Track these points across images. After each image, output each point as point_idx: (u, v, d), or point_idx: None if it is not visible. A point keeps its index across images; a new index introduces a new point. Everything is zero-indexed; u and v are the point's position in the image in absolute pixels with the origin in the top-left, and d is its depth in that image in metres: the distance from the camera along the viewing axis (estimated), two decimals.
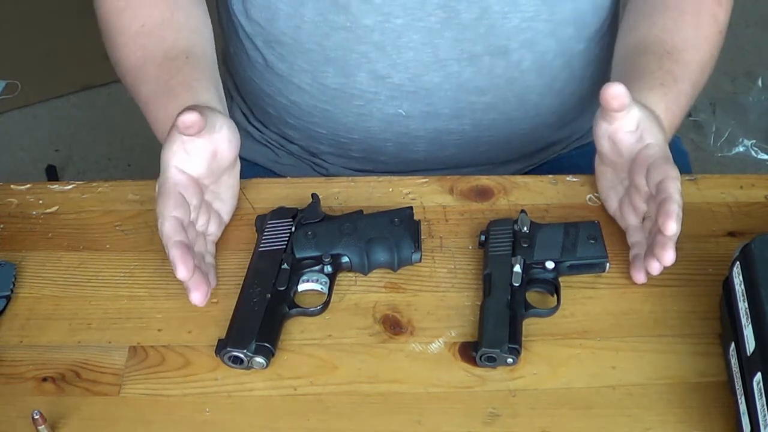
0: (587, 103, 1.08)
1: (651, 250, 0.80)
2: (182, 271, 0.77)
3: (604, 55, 1.07)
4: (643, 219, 0.85)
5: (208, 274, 0.82)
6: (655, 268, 0.80)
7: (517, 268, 0.82)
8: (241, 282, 0.82)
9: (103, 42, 0.99)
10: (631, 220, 0.86)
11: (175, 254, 0.77)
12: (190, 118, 0.78)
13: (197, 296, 0.79)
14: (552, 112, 1.07)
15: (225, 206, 0.88)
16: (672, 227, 0.77)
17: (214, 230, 0.87)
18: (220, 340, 0.77)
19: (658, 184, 0.79)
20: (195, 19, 0.98)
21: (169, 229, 0.79)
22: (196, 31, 0.97)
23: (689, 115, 0.99)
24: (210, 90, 0.92)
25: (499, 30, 0.97)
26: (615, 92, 0.80)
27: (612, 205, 0.88)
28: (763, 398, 0.67)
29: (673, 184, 0.79)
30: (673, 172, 0.80)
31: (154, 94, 0.92)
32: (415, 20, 0.96)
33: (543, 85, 1.03)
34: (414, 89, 1.00)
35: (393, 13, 0.95)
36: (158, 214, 0.80)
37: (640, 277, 0.83)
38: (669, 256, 0.78)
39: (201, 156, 0.83)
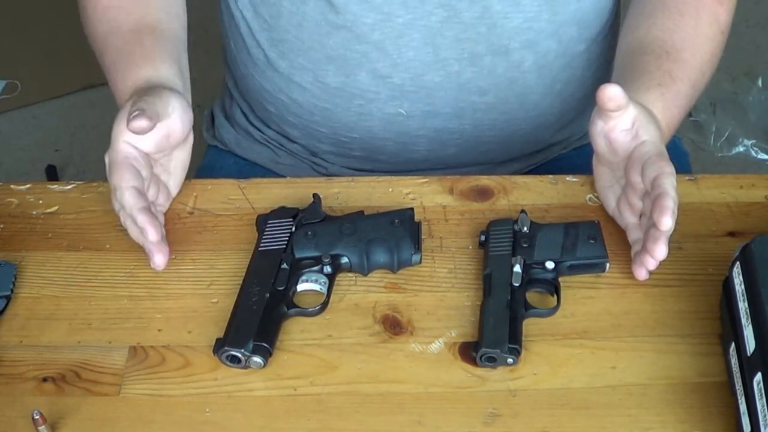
0: (587, 103, 1.08)
1: (645, 245, 0.80)
2: (152, 234, 0.81)
3: (605, 57, 1.07)
4: (641, 216, 0.85)
5: None
6: (650, 263, 0.80)
7: (517, 268, 0.82)
8: (241, 281, 0.82)
9: (80, 16, 1.01)
10: (628, 218, 0.86)
11: (144, 220, 0.81)
12: (140, 125, 0.81)
13: (160, 258, 0.83)
14: (552, 113, 1.07)
15: (172, 179, 0.91)
16: (666, 222, 0.77)
17: (162, 201, 0.89)
18: (218, 339, 0.77)
19: (653, 180, 0.79)
20: None
21: (130, 198, 0.82)
22: (167, 10, 0.99)
23: (689, 115, 0.99)
24: (171, 65, 0.93)
25: (500, 30, 0.97)
26: (611, 94, 0.80)
27: (610, 205, 0.89)
28: (763, 398, 0.67)
29: (668, 179, 0.79)
30: (668, 168, 0.80)
31: (116, 63, 0.94)
32: (415, 19, 0.96)
33: (543, 86, 1.03)
34: (414, 89, 1.00)
35: (393, 12, 0.95)
36: (115, 187, 0.83)
37: (641, 274, 0.83)
38: (661, 251, 0.79)
39: (152, 135, 0.84)
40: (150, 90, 0.87)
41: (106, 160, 0.85)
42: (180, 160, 0.90)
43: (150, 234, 0.81)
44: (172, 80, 0.92)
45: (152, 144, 0.85)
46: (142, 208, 0.82)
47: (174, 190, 0.91)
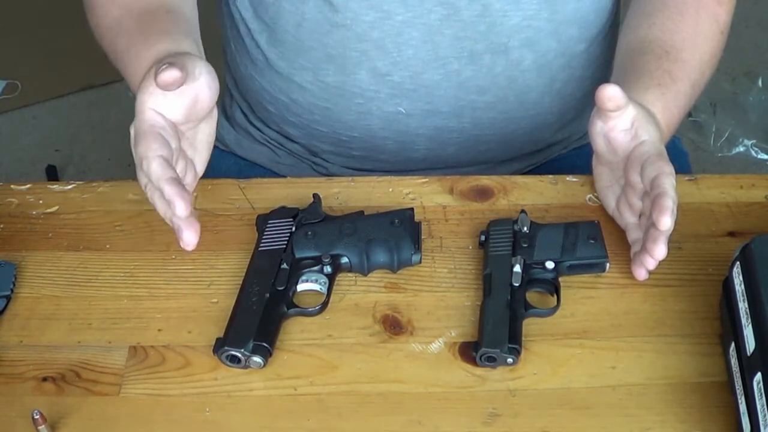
0: (587, 103, 1.08)
1: (644, 244, 0.80)
2: (181, 207, 0.74)
3: (605, 56, 1.07)
4: (640, 216, 0.85)
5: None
6: (649, 263, 0.80)
7: (517, 268, 0.82)
8: (241, 281, 0.82)
9: (84, 6, 0.99)
10: (628, 218, 0.86)
11: (172, 191, 0.74)
12: (171, 74, 0.75)
13: (190, 235, 0.76)
14: (552, 112, 1.07)
15: (199, 156, 0.85)
16: (666, 222, 0.77)
17: (190, 180, 0.84)
18: (218, 339, 0.77)
19: (653, 180, 0.79)
20: None
21: (158, 167, 0.75)
22: None
23: (689, 115, 0.99)
24: (190, 41, 0.88)
25: (500, 28, 0.97)
26: (610, 94, 0.80)
27: (610, 205, 0.89)
28: (763, 398, 0.67)
29: (668, 179, 0.79)
30: (668, 168, 0.80)
31: (130, 44, 0.90)
32: (415, 17, 0.96)
33: (543, 85, 1.03)
34: (414, 87, 1.00)
35: (393, 10, 0.95)
36: (141, 157, 0.76)
37: (640, 273, 0.83)
38: (660, 251, 0.79)
39: (180, 101, 0.79)
40: (174, 55, 0.82)
41: (132, 132, 0.79)
42: (206, 134, 0.85)
43: (179, 207, 0.74)
44: (194, 52, 0.87)
45: (180, 111, 0.80)
46: (171, 178, 0.74)
47: (200, 167, 0.85)
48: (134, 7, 0.93)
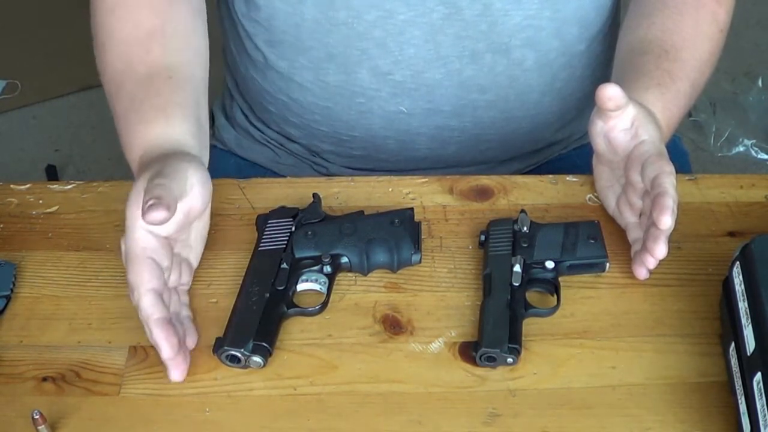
0: (587, 103, 1.08)
1: (644, 244, 0.80)
2: (167, 351, 0.74)
3: (606, 56, 1.07)
4: (640, 215, 0.85)
5: (186, 334, 0.78)
6: (650, 262, 0.81)
7: (517, 268, 0.82)
8: (241, 281, 0.82)
9: (93, 43, 0.95)
10: (628, 217, 0.86)
11: (159, 335, 0.74)
12: (158, 216, 0.73)
13: (177, 374, 0.75)
14: (552, 112, 1.07)
15: (194, 252, 0.83)
16: (666, 221, 0.77)
17: (186, 280, 0.82)
18: (217, 339, 0.77)
19: (653, 179, 0.79)
20: (188, 32, 0.93)
21: (147, 305, 0.74)
22: (187, 47, 0.92)
23: (689, 115, 0.99)
24: (185, 118, 0.86)
25: (501, 27, 0.97)
26: (610, 93, 0.80)
27: (610, 204, 0.89)
28: (763, 398, 0.67)
29: (668, 179, 0.79)
30: (668, 167, 0.80)
31: (127, 113, 0.87)
32: (416, 16, 0.96)
33: (544, 84, 1.03)
34: (415, 86, 1.00)
35: (395, 9, 0.95)
36: (132, 287, 0.75)
37: (641, 273, 0.83)
38: (661, 250, 0.79)
39: (171, 220, 0.76)
40: (164, 167, 0.78)
41: (122, 248, 0.77)
42: (199, 231, 0.83)
43: (164, 351, 0.74)
44: (186, 140, 0.84)
45: (173, 227, 0.77)
46: (159, 319, 0.74)
47: (195, 262, 0.84)
48: (138, 64, 0.88)
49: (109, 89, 0.91)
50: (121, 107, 0.88)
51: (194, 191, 0.79)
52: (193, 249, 0.83)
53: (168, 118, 0.85)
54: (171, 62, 0.89)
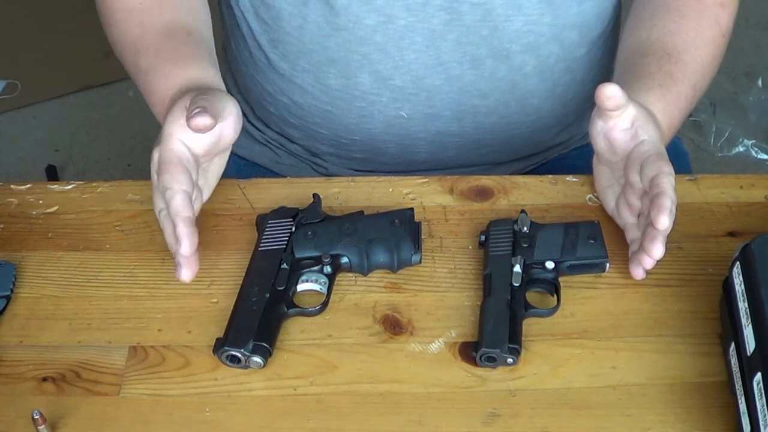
0: (588, 106, 1.07)
1: (642, 244, 0.80)
2: (186, 247, 0.77)
3: (606, 60, 1.07)
4: (639, 216, 0.85)
5: None
6: (647, 262, 0.80)
7: (517, 268, 0.82)
8: (241, 281, 0.82)
9: (100, 21, 0.99)
10: (627, 217, 0.86)
11: (183, 231, 0.76)
12: (205, 122, 0.77)
13: (187, 273, 0.78)
14: (553, 116, 1.07)
15: (207, 186, 0.87)
16: (664, 221, 0.77)
17: (197, 207, 0.84)
18: (218, 339, 0.77)
19: (652, 179, 0.79)
20: (194, 2, 0.98)
21: (179, 202, 0.77)
22: (195, 13, 0.97)
23: (689, 115, 0.99)
24: (214, 68, 0.91)
25: (502, 33, 0.97)
26: (610, 93, 0.80)
27: (610, 204, 0.89)
28: (763, 398, 0.67)
29: (667, 179, 0.79)
30: (667, 167, 0.80)
31: (155, 63, 0.91)
32: (417, 22, 0.96)
33: (545, 90, 1.03)
34: (416, 91, 1.00)
35: (395, 14, 0.95)
36: (165, 186, 0.78)
37: (638, 273, 0.83)
38: (658, 250, 0.79)
39: (206, 137, 0.81)
40: (206, 91, 0.84)
41: (155, 157, 0.81)
42: (218, 167, 0.87)
43: (184, 246, 0.76)
44: (219, 83, 0.90)
45: (204, 146, 0.82)
46: (187, 217, 0.77)
47: (206, 197, 0.87)
48: (154, 26, 0.94)
49: (127, 53, 0.95)
50: (146, 60, 0.92)
51: (230, 120, 0.83)
52: (208, 182, 0.87)
53: (199, 64, 0.90)
54: (186, 23, 0.94)
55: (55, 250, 0.88)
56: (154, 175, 0.81)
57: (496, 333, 0.77)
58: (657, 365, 0.77)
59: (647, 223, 0.80)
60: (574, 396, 0.75)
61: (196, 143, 0.81)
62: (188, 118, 0.78)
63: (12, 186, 0.95)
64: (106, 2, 0.97)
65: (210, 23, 0.99)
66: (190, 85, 0.86)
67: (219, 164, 0.87)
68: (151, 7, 0.95)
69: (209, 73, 0.90)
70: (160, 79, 0.90)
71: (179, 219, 0.77)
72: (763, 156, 2.21)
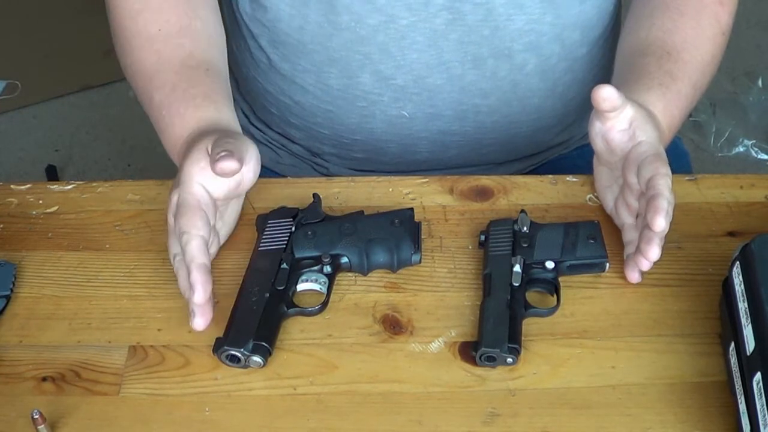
0: (589, 106, 1.07)
1: (638, 245, 0.80)
2: (200, 296, 0.75)
3: (607, 59, 1.07)
4: (637, 217, 0.85)
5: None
6: (643, 264, 0.80)
7: (517, 268, 0.82)
8: (241, 281, 0.82)
9: (114, 45, 0.97)
10: (625, 218, 0.86)
11: (197, 278, 0.75)
12: (231, 167, 0.77)
13: (200, 322, 0.77)
14: (554, 115, 1.07)
15: (225, 228, 0.86)
16: (660, 223, 0.77)
17: (213, 251, 0.84)
18: (217, 339, 0.77)
19: (649, 180, 0.79)
20: (212, 29, 0.96)
21: (195, 249, 0.76)
22: (214, 43, 0.95)
23: (690, 115, 0.99)
24: (231, 108, 0.90)
25: (503, 32, 0.97)
26: (606, 94, 0.80)
27: (609, 205, 0.89)
28: (763, 398, 0.67)
29: (664, 180, 0.79)
30: (664, 168, 0.80)
31: (170, 100, 0.90)
32: (419, 21, 0.96)
33: (546, 89, 1.03)
34: (417, 91, 1.00)
35: (397, 14, 0.95)
36: (182, 230, 0.77)
37: (633, 276, 0.82)
38: (654, 252, 0.78)
39: (226, 182, 0.80)
40: (228, 134, 0.83)
41: (173, 199, 0.80)
42: (235, 210, 0.87)
43: (198, 295, 0.75)
44: (235, 125, 0.89)
45: (224, 190, 0.81)
46: (202, 264, 0.76)
47: (223, 239, 0.86)
48: (172, 58, 0.91)
49: (140, 82, 0.93)
50: (160, 95, 0.90)
51: (251, 164, 0.82)
52: (225, 225, 0.86)
53: (216, 104, 0.89)
54: (204, 57, 0.93)
55: (55, 249, 0.88)
56: (170, 218, 0.81)
57: (496, 333, 0.77)
58: (657, 365, 0.77)
59: (644, 225, 0.80)
60: (573, 396, 0.75)
61: (216, 187, 0.80)
62: (213, 162, 0.77)
63: (12, 186, 0.95)
64: (125, 27, 0.95)
65: (225, 49, 0.97)
66: (207, 128, 0.85)
67: (236, 207, 0.87)
68: (169, 35, 0.92)
69: (225, 115, 0.89)
70: (174, 118, 0.88)
71: (194, 265, 0.76)
72: (763, 156, 2.21)
